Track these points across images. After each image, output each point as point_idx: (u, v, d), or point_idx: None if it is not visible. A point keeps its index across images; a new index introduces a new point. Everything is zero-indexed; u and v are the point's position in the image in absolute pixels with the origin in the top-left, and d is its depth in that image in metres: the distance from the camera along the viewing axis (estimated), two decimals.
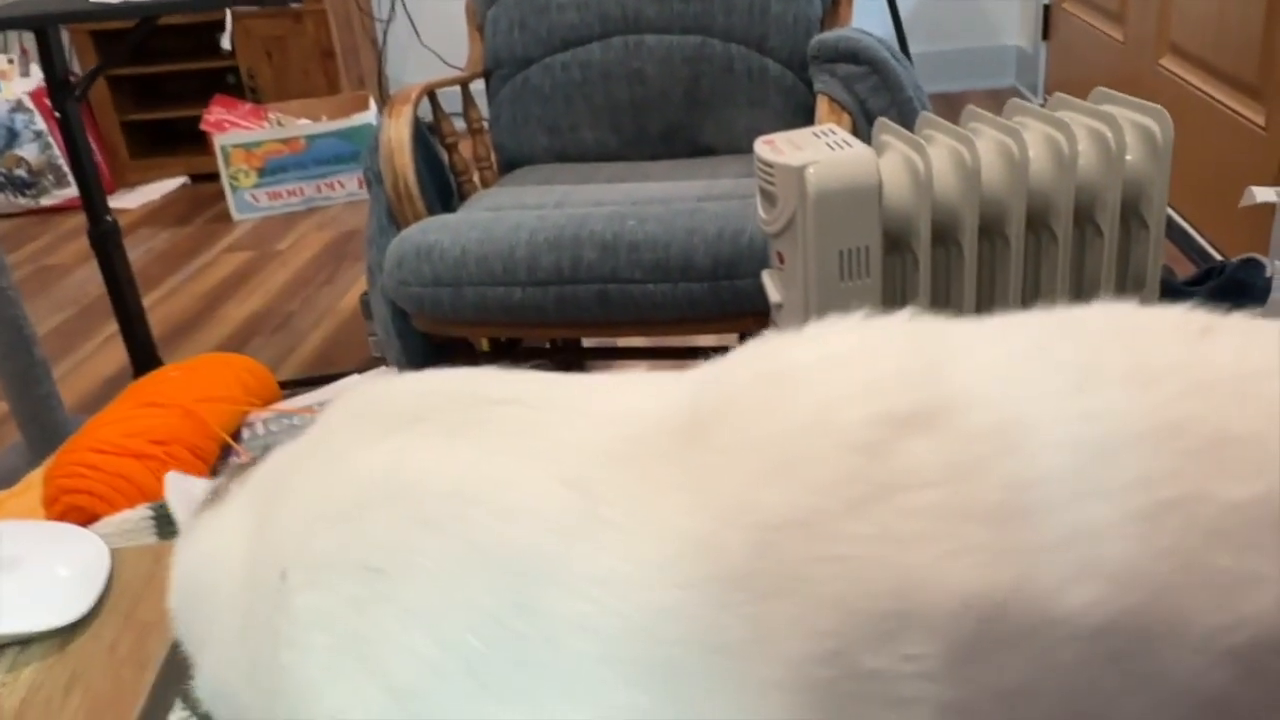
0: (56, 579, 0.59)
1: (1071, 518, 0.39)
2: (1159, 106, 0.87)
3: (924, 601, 0.38)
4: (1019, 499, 0.38)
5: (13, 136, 3.46)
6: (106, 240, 1.96)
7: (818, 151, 1.02)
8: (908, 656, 0.37)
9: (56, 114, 1.89)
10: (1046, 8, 3.39)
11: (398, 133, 1.63)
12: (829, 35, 1.66)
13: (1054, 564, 0.38)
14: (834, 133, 1.07)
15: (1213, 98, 2.20)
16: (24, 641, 0.60)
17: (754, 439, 0.41)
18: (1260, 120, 2.01)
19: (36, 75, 3.47)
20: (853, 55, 1.56)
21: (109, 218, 1.96)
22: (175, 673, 0.55)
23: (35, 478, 0.82)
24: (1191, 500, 0.39)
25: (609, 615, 0.40)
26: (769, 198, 1.07)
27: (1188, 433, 0.40)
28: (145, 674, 0.53)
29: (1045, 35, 3.43)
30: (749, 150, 1.04)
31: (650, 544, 0.40)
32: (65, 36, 3.18)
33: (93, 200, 1.93)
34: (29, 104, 3.46)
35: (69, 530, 0.64)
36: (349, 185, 3.35)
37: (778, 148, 1.04)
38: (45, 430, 1.79)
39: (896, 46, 1.88)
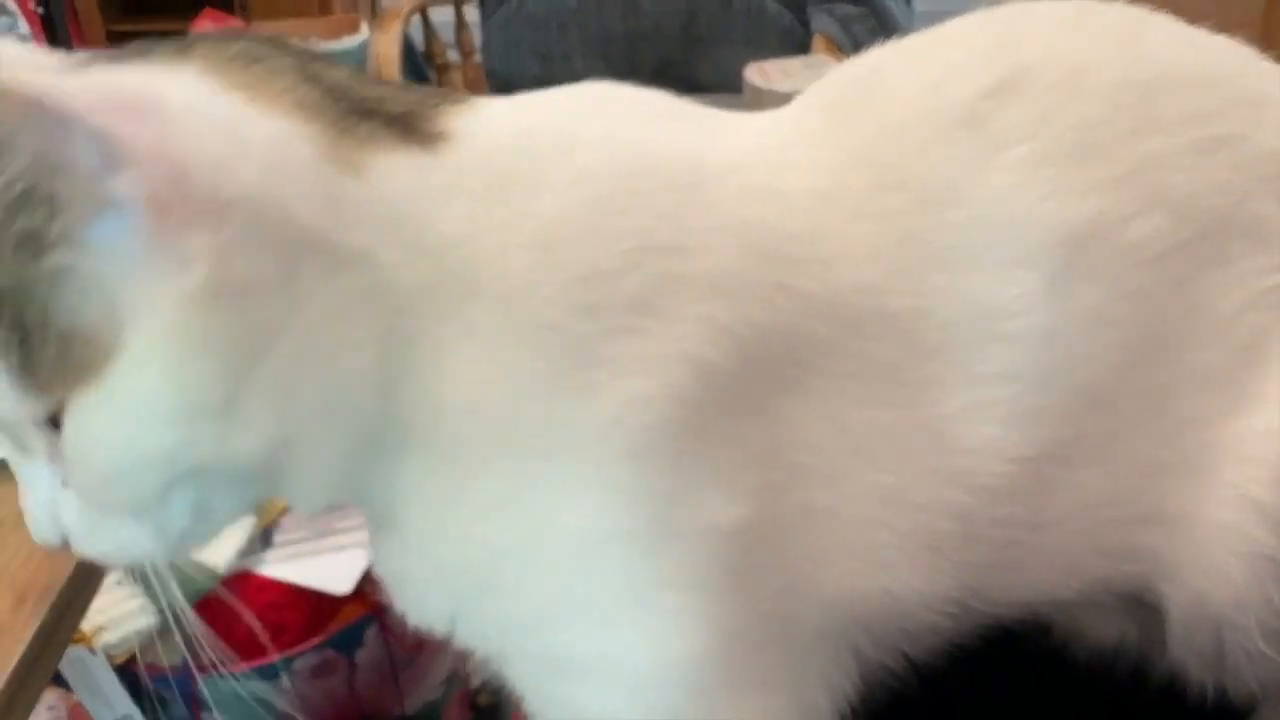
0: None
1: (1135, 150, 0.44)
2: None
3: (1028, 240, 0.44)
4: (1089, 137, 0.44)
5: None
6: None
7: (808, 80, 1.02)
8: (1017, 295, 0.43)
9: (39, 9, 1.85)
10: None
11: (386, 48, 1.61)
12: None
13: (1123, 196, 0.44)
14: (826, 64, 1.06)
15: None
16: None
17: (892, 122, 0.47)
18: None
19: None
20: None
21: None
22: None
23: None
24: (1239, 140, 0.45)
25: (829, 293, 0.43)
26: None
27: (1230, 83, 0.47)
28: None
29: None
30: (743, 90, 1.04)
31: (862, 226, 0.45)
32: None
33: None
34: (12, 6, 3.39)
35: None
36: None
37: (768, 74, 1.03)
38: None
39: None
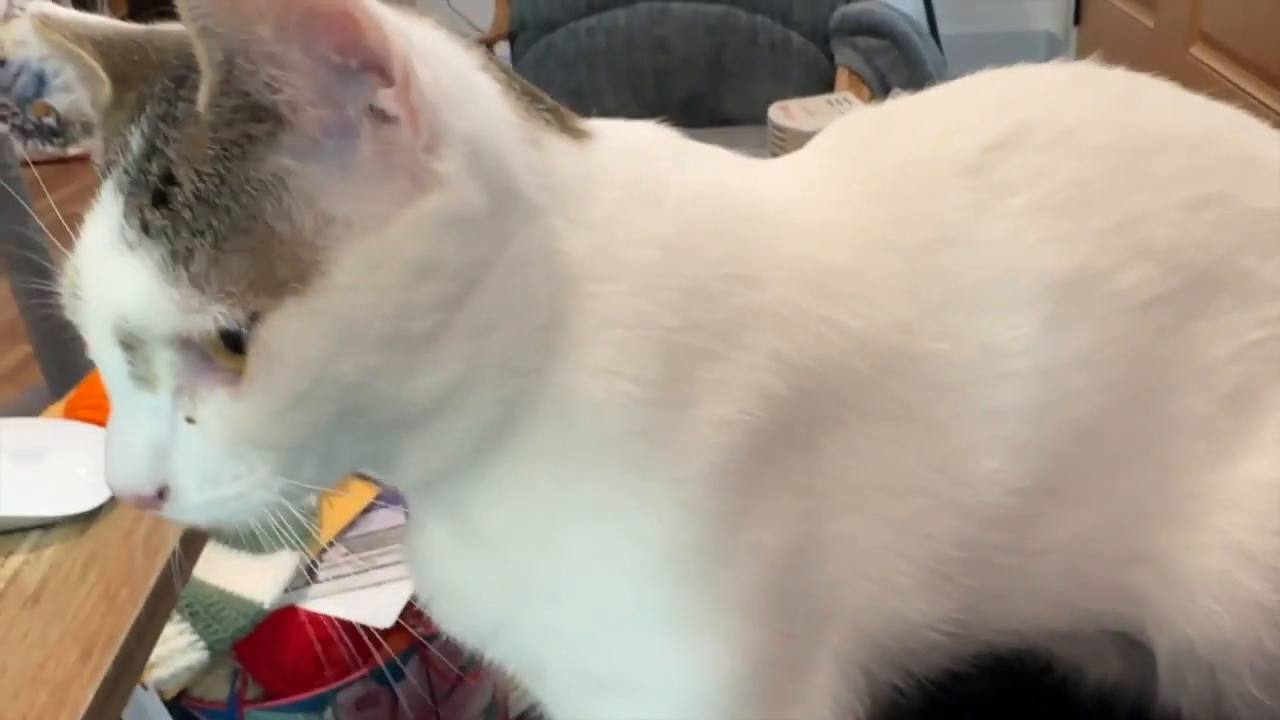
0: (77, 469, 0.62)
1: (1123, 205, 0.46)
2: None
3: (1023, 284, 0.46)
4: (1080, 192, 0.47)
5: (42, 84, 3.49)
6: None
7: (830, 118, 1.04)
8: (1017, 336, 0.46)
9: None
10: None
11: None
12: (852, 8, 1.67)
13: (1111, 247, 0.46)
14: (848, 101, 1.08)
15: (1241, 89, 2.18)
16: (46, 526, 0.63)
17: (904, 163, 0.50)
18: None
19: None
20: (874, 28, 1.57)
21: None
22: (188, 553, 0.58)
23: (55, 409, 0.85)
24: (1228, 199, 0.47)
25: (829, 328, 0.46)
26: None
27: (1222, 145, 0.49)
28: (158, 557, 0.56)
29: (1077, 21, 3.40)
30: None
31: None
32: None
33: None
34: None
35: (88, 429, 0.67)
36: None
37: (791, 113, 1.05)
38: (68, 375, 1.82)
39: (925, 25, 1.88)
